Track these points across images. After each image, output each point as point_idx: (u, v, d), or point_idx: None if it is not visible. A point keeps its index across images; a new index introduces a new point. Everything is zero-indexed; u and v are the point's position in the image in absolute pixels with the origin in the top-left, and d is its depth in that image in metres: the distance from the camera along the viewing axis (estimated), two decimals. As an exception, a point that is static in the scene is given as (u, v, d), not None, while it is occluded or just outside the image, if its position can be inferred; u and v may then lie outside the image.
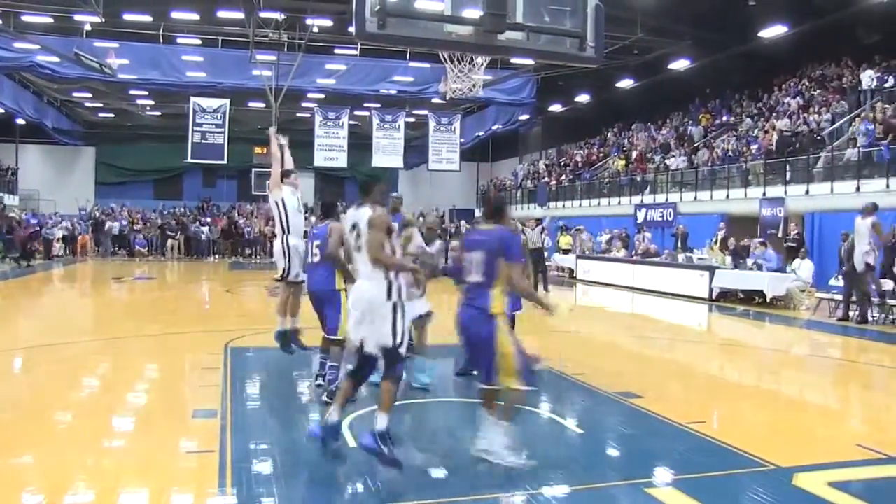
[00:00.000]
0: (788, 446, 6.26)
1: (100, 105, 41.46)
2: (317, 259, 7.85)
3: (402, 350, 5.57)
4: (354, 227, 5.72)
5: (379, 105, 36.88)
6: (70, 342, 11.30)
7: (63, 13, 26.36)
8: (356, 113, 37.27)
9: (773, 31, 24.78)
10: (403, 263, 5.73)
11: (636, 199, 29.48)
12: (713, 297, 18.27)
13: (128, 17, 27.86)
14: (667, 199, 27.45)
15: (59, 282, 23.14)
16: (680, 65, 29.69)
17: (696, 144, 29.23)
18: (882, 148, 19.25)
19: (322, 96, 36.14)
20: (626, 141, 36.37)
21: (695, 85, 32.23)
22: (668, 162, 28.81)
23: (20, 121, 38.38)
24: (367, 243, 5.42)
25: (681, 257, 20.74)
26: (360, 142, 36.75)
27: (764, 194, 22.71)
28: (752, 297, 17.39)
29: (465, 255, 5.45)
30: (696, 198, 26.05)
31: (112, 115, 43.77)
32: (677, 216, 26.00)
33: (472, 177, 48.82)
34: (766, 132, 24.88)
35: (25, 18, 27.36)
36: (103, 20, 25.39)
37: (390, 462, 5.25)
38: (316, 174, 45.68)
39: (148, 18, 28.48)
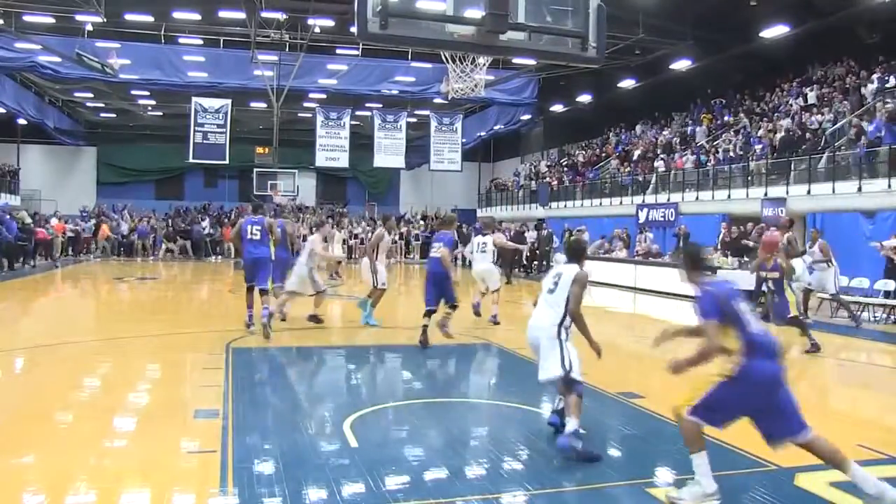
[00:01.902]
0: (790, 447, 6.25)
1: (101, 105, 41.54)
2: (257, 238, 11.53)
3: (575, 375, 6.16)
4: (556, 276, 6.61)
5: (380, 105, 36.93)
6: (72, 342, 11.31)
7: (64, 13, 26.38)
8: (358, 113, 37.31)
9: (775, 32, 24.80)
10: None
11: (638, 200, 29.47)
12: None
13: (129, 17, 27.93)
14: (668, 200, 27.44)
15: (61, 282, 23.14)
16: (681, 65, 29.69)
17: (710, 142, 29.18)
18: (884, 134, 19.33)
19: (324, 96, 36.20)
20: (628, 141, 36.38)
21: (696, 85, 32.24)
22: (682, 160, 28.69)
23: (22, 121, 38.47)
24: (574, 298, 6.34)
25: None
26: (361, 142, 36.82)
27: (766, 194, 22.69)
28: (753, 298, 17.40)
29: None
30: (697, 198, 26.04)
31: (113, 116, 43.85)
32: (679, 216, 25.99)
33: (474, 177, 48.85)
34: (769, 132, 24.87)
35: (27, 18, 27.44)
36: (105, 20, 25.46)
37: (587, 457, 5.68)
38: (317, 174, 45.75)
39: (149, 18, 28.54)
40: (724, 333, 4.89)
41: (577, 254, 6.55)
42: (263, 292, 11.53)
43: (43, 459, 5.66)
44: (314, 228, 14.80)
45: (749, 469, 5.61)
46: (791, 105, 26.30)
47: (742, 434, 6.45)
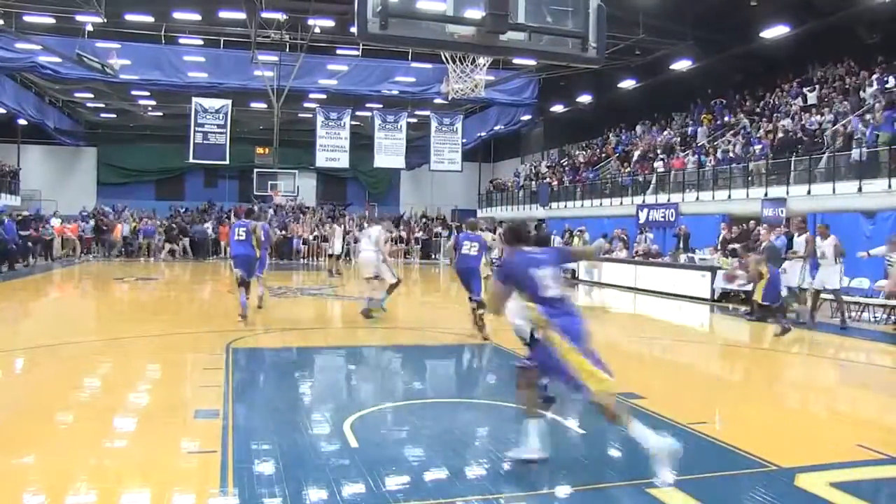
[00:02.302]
0: (790, 447, 6.26)
1: (101, 105, 41.56)
2: (242, 238, 13.09)
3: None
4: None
5: (381, 105, 36.97)
6: (72, 342, 11.30)
7: (65, 14, 26.39)
8: (358, 113, 37.36)
9: (775, 32, 24.82)
10: None
11: (638, 200, 29.47)
12: (715, 298, 18.29)
13: (129, 17, 27.97)
14: (669, 200, 27.44)
15: (61, 282, 23.14)
16: (682, 65, 29.70)
17: (710, 143, 29.19)
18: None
19: (324, 97, 36.23)
20: (628, 141, 36.38)
21: (697, 85, 32.25)
22: (683, 160, 28.66)
23: (22, 121, 38.48)
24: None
25: (682, 258, 20.74)
26: (361, 142, 36.86)
27: (766, 195, 22.70)
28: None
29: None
30: (697, 198, 26.04)
31: (114, 116, 43.90)
32: (679, 217, 25.99)
33: (474, 177, 48.84)
34: (769, 133, 24.87)
35: (27, 19, 27.49)
36: (105, 21, 25.49)
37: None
38: (318, 174, 45.78)
39: (150, 19, 28.58)
40: (518, 295, 5.66)
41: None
42: (245, 284, 13.31)
43: (43, 459, 5.65)
44: (368, 223, 16.76)
45: (749, 469, 5.60)
46: (791, 105, 26.31)
47: (744, 434, 6.47)
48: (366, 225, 19.49)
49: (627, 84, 33.52)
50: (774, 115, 26.55)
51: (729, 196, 24.56)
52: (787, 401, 8.69)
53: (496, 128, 41.29)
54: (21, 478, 5.28)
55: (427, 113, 37.56)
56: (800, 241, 15.21)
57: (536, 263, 5.57)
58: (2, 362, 9.75)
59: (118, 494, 4.93)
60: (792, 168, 22.29)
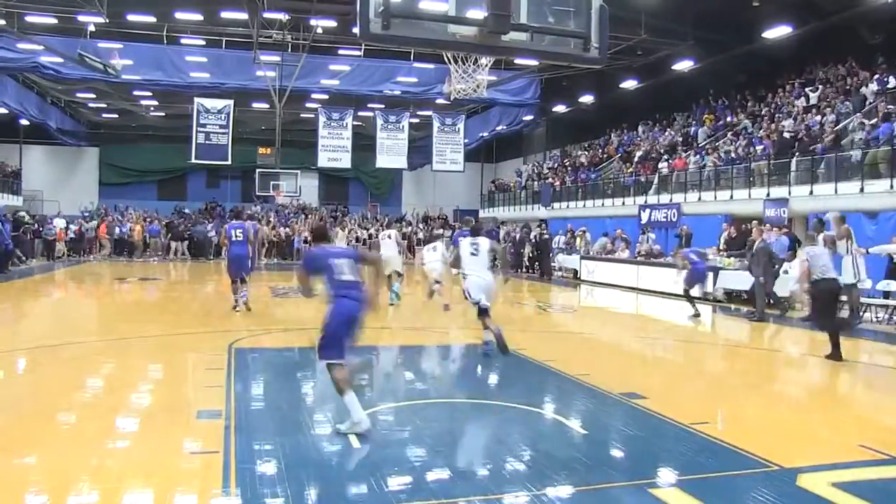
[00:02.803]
0: (792, 447, 6.26)
1: (103, 106, 41.49)
2: (240, 239, 14.49)
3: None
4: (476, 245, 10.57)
5: (383, 106, 36.95)
6: (74, 343, 11.32)
7: (66, 14, 26.40)
8: (360, 114, 37.32)
9: (777, 32, 24.78)
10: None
11: (640, 200, 29.47)
12: (717, 298, 18.30)
13: (131, 17, 27.96)
14: (671, 200, 27.44)
15: (63, 283, 23.15)
16: (683, 65, 29.68)
17: (712, 143, 29.19)
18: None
19: (326, 97, 36.22)
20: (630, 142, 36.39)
21: (698, 86, 32.21)
22: (686, 160, 28.65)
23: (24, 121, 38.47)
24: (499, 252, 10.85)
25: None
26: (363, 142, 36.82)
27: (768, 195, 22.69)
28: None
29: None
30: (700, 198, 26.03)
31: (116, 116, 43.82)
32: (681, 217, 25.98)
33: (476, 177, 48.82)
34: (771, 133, 24.86)
35: (29, 19, 27.48)
36: (107, 21, 25.48)
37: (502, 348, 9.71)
38: (320, 175, 45.76)
39: (152, 19, 28.58)
40: (316, 280, 6.98)
41: (477, 230, 11.55)
42: (243, 281, 14.69)
43: (45, 459, 5.66)
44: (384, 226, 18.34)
45: (751, 469, 5.60)
46: (793, 105, 26.30)
47: (746, 435, 6.48)
48: (381, 228, 20.40)
49: (629, 84, 33.50)
50: (776, 115, 26.55)
51: (731, 196, 24.55)
52: (789, 401, 8.69)
53: (498, 128, 41.28)
54: (23, 478, 5.30)
55: (429, 113, 37.54)
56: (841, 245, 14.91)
57: (335, 255, 6.90)
58: (4, 362, 9.77)
59: (120, 495, 4.94)
60: (793, 168, 22.28)
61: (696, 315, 15.89)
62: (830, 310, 10.86)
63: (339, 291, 6.74)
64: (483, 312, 10.16)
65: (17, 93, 34.27)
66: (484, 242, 10.73)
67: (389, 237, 16.24)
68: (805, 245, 12.23)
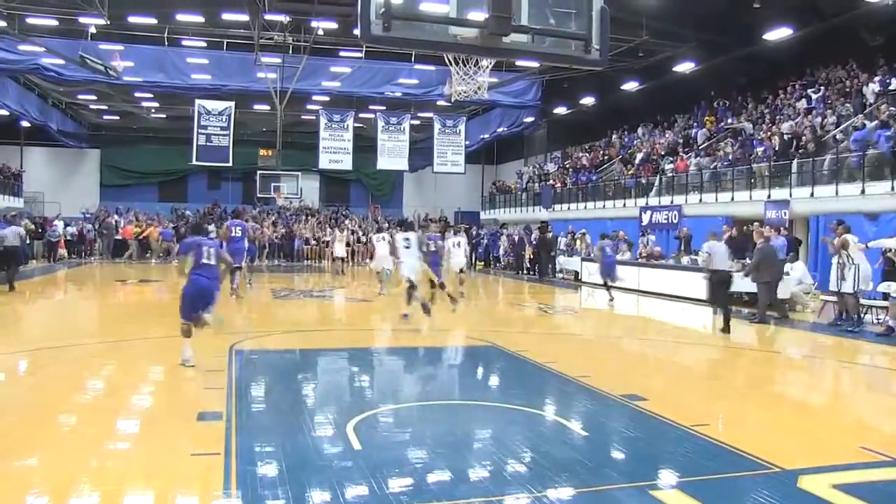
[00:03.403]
0: (793, 449, 6.26)
1: (104, 107, 41.61)
2: (238, 235, 17.32)
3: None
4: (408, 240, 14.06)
5: (384, 107, 36.96)
6: (75, 344, 11.33)
7: (68, 15, 26.42)
8: (361, 115, 37.32)
9: (778, 34, 24.77)
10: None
11: (641, 202, 29.46)
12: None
13: (133, 19, 27.95)
14: (672, 202, 27.43)
15: (64, 284, 23.15)
16: (685, 67, 29.68)
17: (713, 145, 29.18)
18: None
19: (327, 99, 36.23)
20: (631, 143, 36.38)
21: (700, 87, 32.20)
22: (687, 162, 28.61)
23: (25, 123, 38.49)
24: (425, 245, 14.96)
25: (685, 260, 20.72)
26: (365, 144, 36.81)
27: (769, 197, 22.68)
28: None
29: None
30: (701, 200, 26.02)
31: (117, 118, 43.95)
32: (682, 219, 25.97)
33: (477, 179, 48.83)
34: (772, 134, 24.85)
35: (30, 21, 27.48)
36: (108, 22, 25.47)
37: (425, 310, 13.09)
38: (321, 176, 45.78)
39: (153, 21, 28.59)
40: (186, 262, 9.25)
41: (410, 227, 16.02)
42: (238, 269, 16.93)
43: (47, 461, 5.67)
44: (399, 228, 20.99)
45: (752, 471, 5.61)
46: (794, 107, 26.29)
47: (746, 436, 6.48)
48: (393, 231, 21.69)
49: (630, 86, 33.49)
50: (777, 116, 26.54)
51: (732, 198, 24.53)
52: (790, 402, 8.70)
53: (499, 130, 41.29)
54: (25, 479, 5.30)
55: (430, 115, 37.55)
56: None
57: (207, 245, 9.33)
58: (6, 364, 9.78)
59: (122, 496, 4.95)
60: (794, 170, 22.28)
61: (612, 300, 18.69)
62: (721, 293, 13.81)
63: (198, 271, 9.11)
64: (412, 287, 13.66)
65: (19, 95, 34.33)
66: (413, 237, 14.47)
67: (383, 238, 17.70)
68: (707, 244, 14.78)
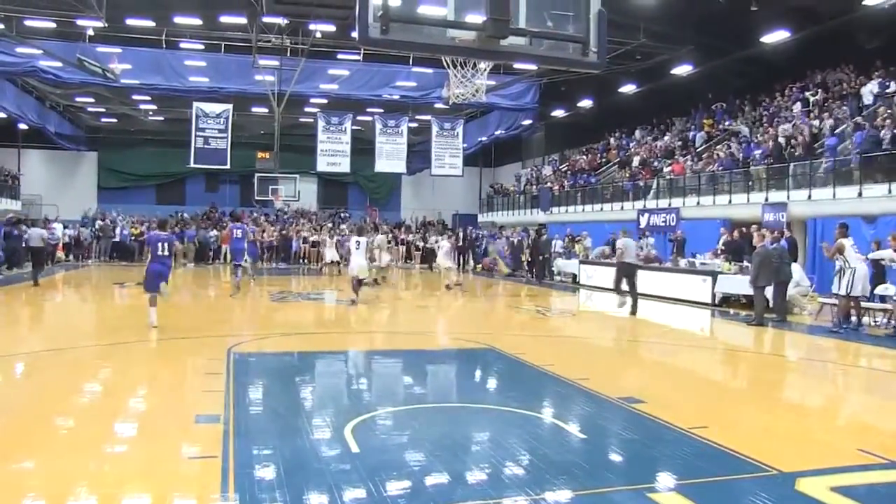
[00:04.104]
0: (791, 451, 6.26)
1: (102, 110, 41.68)
2: (239, 236, 19.44)
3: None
4: (358, 242, 17.57)
5: (382, 110, 36.99)
6: (72, 347, 11.33)
7: (66, 18, 26.43)
8: (359, 118, 37.36)
9: (776, 37, 24.86)
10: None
11: (639, 205, 29.50)
12: (716, 302, 18.30)
13: (131, 21, 27.97)
14: (669, 205, 27.46)
15: (62, 287, 23.12)
16: (682, 70, 29.75)
17: (711, 147, 29.23)
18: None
19: (325, 101, 36.24)
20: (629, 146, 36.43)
21: (697, 90, 32.29)
22: (684, 165, 28.67)
23: (23, 126, 38.52)
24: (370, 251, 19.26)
25: (683, 262, 20.75)
26: (363, 147, 36.86)
27: (766, 199, 22.72)
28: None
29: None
30: (698, 203, 26.07)
31: (115, 121, 43.98)
32: (680, 221, 26.00)
33: (475, 182, 48.89)
34: (769, 137, 24.90)
35: (28, 23, 27.49)
36: (106, 25, 25.48)
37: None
38: (319, 179, 45.86)
39: (151, 23, 28.62)
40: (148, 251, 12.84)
41: (361, 231, 19.50)
42: (238, 266, 19.38)
43: (44, 464, 5.66)
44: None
45: (750, 474, 5.61)
46: (791, 110, 26.34)
47: (745, 439, 6.48)
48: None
49: (628, 89, 33.57)
50: (775, 119, 26.59)
51: (730, 201, 24.60)
52: (788, 405, 8.70)
53: (497, 132, 41.33)
54: (21, 482, 5.29)
55: (428, 118, 37.59)
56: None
57: (165, 238, 12.86)
58: (2, 366, 9.76)
59: (119, 499, 4.94)
60: (791, 173, 22.31)
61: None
62: (629, 282, 16.89)
63: (157, 258, 12.66)
64: (358, 283, 17.63)
65: (16, 97, 34.34)
66: (363, 241, 17.92)
67: (359, 244, 17.93)
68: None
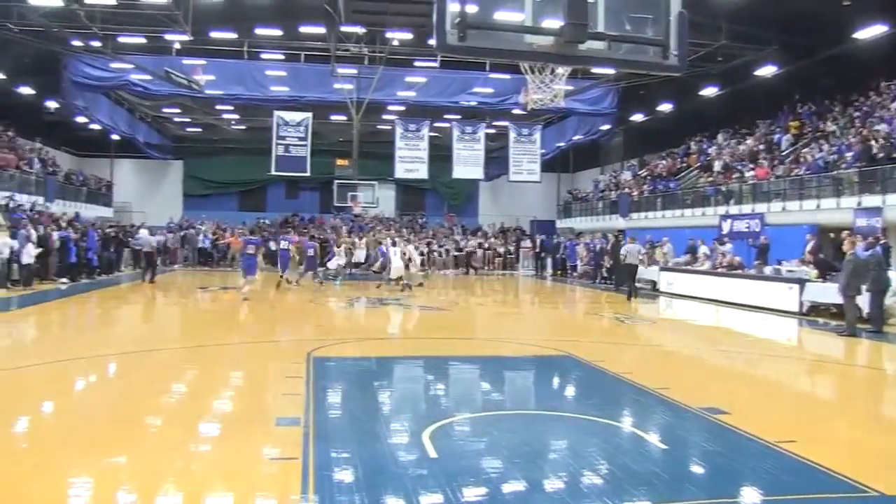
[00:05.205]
0: (891, 472, 5.98)
1: (188, 120, 43.14)
2: (285, 247, 24.11)
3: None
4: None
5: (459, 116, 37.11)
6: (158, 350, 11.69)
7: (154, 33, 27.51)
8: (436, 125, 37.56)
9: (870, 32, 23.81)
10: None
11: (721, 210, 28.85)
12: (804, 312, 17.68)
13: (214, 34, 28.88)
14: (753, 210, 26.76)
15: (149, 291, 23.85)
16: (767, 71, 29.00)
17: (798, 150, 28.42)
18: None
19: (402, 108, 36.60)
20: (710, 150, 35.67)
21: (783, 91, 31.35)
22: (768, 169, 27.96)
23: (115, 136, 40.39)
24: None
25: (768, 269, 20.17)
26: (440, 153, 37.03)
27: (859, 204, 21.88)
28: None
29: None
30: (783, 208, 25.31)
31: (199, 130, 45.52)
32: (764, 227, 25.29)
33: (553, 188, 48.56)
34: (863, 139, 23.95)
35: (121, 40, 28.81)
36: (192, 38, 26.37)
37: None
38: (397, 186, 46.25)
39: (233, 35, 29.50)
40: None
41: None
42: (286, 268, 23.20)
43: (134, 460, 5.87)
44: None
45: (846, 493, 5.37)
46: (889, 109, 25.24)
47: (837, 456, 6.24)
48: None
49: (709, 91, 32.89)
50: (868, 120, 25.61)
51: (818, 206, 23.79)
52: (884, 420, 8.35)
53: (575, 138, 40.98)
54: (115, 477, 5.51)
55: (505, 123, 37.59)
56: None
57: (253, 242, 20.96)
58: (94, 368, 10.14)
59: (203, 497, 5.09)
60: (888, 175, 21.34)
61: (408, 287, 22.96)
62: (630, 278, 22.18)
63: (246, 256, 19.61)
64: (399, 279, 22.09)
65: (109, 109, 36.11)
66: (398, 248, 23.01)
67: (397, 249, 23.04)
68: None
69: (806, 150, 27.38)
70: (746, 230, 26.54)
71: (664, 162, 39.07)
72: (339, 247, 30.31)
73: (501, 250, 38.15)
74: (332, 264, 27.93)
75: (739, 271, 21.20)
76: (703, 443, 6.85)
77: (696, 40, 24.85)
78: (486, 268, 36.95)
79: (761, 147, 31.01)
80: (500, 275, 35.35)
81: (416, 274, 25.43)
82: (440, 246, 36.95)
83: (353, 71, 31.87)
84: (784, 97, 31.99)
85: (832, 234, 19.85)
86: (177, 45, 29.31)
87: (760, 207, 26.49)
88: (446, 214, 47.39)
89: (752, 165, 29.55)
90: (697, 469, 6.14)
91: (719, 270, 22.23)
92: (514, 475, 5.64)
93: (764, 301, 18.93)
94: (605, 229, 35.32)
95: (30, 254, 20.39)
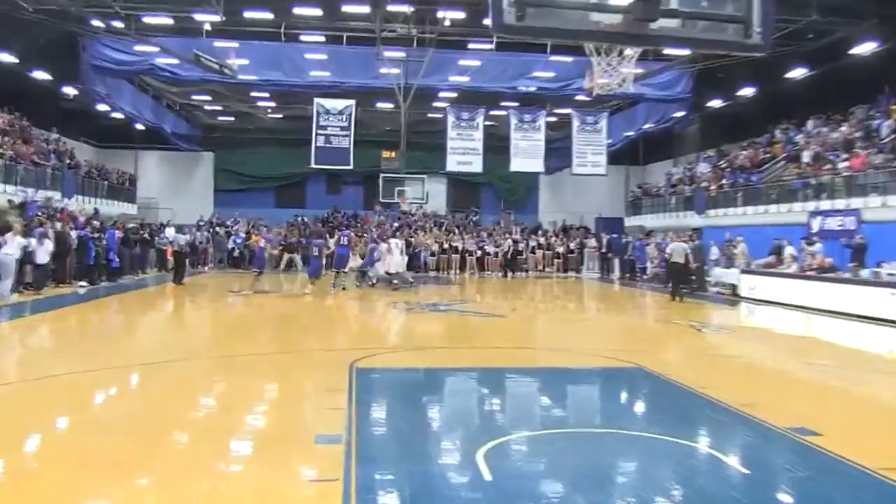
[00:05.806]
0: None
1: (219, 108, 43.41)
2: (345, 244, 24.98)
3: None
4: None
5: (517, 104, 36.99)
6: (186, 359, 11.88)
7: (183, 13, 27.80)
8: (492, 113, 37.46)
9: None
10: None
11: (810, 206, 28.34)
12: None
13: (248, 14, 29.13)
14: (848, 206, 26.24)
15: (176, 295, 24.24)
16: (864, 48, 28.42)
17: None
18: None
19: (455, 95, 36.54)
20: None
21: (883, 71, 30.66)
22: (865, 159, 27.40)
23: (139, 126, 40.74)
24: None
25: (865, 273, 19.76)
26: (496, 144, 36.89)
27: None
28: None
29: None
30: (884, 203, 24.77)
31: (232, 119, 45.71)
32: (861, 225, 24.77)
33: (621, 181, 48.15)
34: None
35: (146, 20, 29.11)
36: (223, 18, 26.63)
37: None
38: (448, 180, 46.06)
39: (269, 16, 29.67)
40: None
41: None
42: (342, 271, 24.34)
43: (159, 482, 5.96)
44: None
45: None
46: None
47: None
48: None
49: (797, 73, 32.34)
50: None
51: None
52: None
53: (645, 126, 40.56)
54: (139, 500, 5.59)
55: (568, 111, 37.38)
56: None
57: (316, 243, 23.92)
58: (115, 380, 10.33)
59: (238, 521, 5.15)
60: None
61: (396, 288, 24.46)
62: (677, 278, 23.59)
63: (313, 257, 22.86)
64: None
65: (133, 97, 36.36)
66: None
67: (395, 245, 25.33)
68: None
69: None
70: (839, 228, 26.02)
71: (745, 152, 38.45)
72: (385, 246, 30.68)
73: (561, 250, 37.91)
74: (375, 267, 27.51)
75: (832, 275, 20.82)
76: (790, 467, 6.75)
77: (783, 16, 24.45)
78: (541, 270, 36.66)
79: (857, 135, 30.37)
80: (560, 277, 35.19)
81: (405, 274, 26.83)
82: (496, 246, 36.79)
83: (401, 54, 31.93)
84: (884, 78, 31.27)
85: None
86: (207, 27, 29.46)
87: (856, 202, 25.96)
88: (503, 211, 47.27)
89: (846, 155, 28.96)
90: (784, 497, 6.06)
91: (808, 274, 21.85)
92: (578, 500, 5.62)
93: (861, 308, 18.57)
94: (679, 228, 34.95)
95: (47, 250, 20.72)
